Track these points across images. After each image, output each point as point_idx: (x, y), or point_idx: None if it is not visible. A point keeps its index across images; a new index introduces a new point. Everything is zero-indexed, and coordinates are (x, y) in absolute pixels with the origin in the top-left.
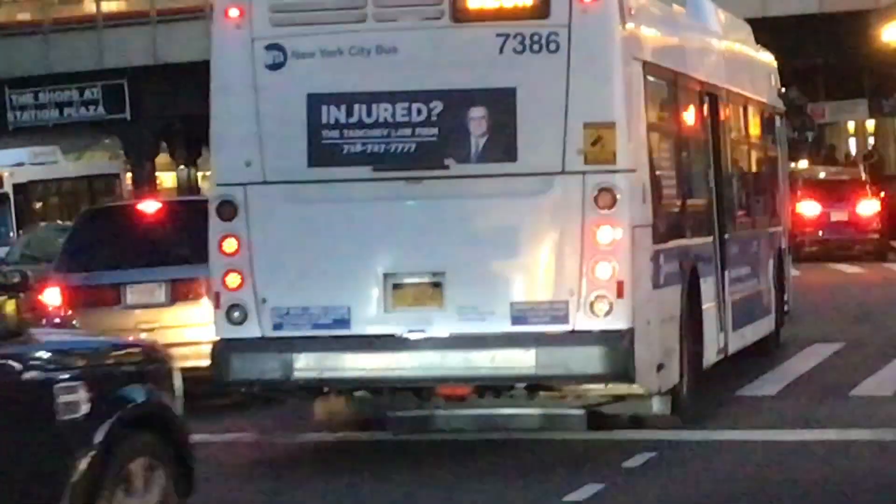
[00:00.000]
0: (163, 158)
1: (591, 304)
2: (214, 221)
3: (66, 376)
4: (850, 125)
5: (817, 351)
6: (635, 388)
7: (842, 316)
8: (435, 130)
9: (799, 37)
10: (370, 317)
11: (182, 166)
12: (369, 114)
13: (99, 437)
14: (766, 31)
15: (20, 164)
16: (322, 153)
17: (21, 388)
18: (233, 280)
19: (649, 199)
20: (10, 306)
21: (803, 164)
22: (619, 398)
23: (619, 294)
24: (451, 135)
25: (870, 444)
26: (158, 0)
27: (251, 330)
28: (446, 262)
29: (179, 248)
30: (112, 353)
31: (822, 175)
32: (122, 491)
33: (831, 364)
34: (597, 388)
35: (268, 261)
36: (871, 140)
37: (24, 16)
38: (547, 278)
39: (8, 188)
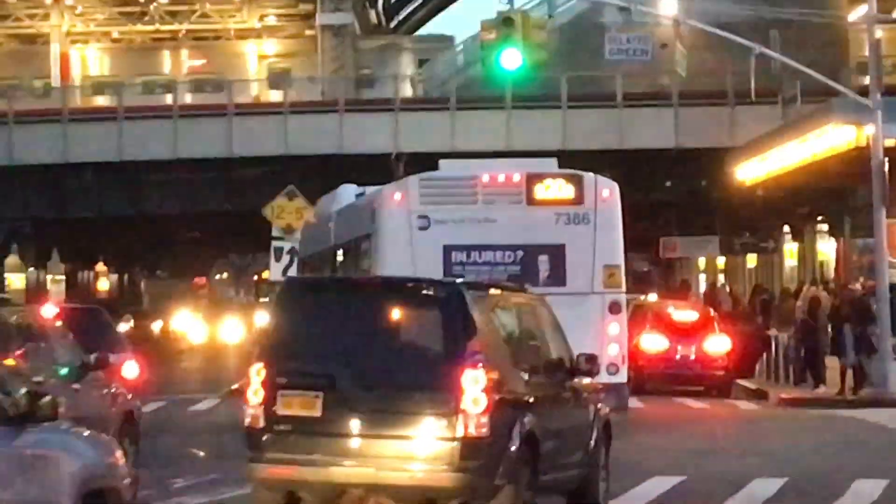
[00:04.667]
0: (12, 260)
1: (608, 368)
2: None
3: (587, 395)
4: (701, 261)
5: (658, 484)
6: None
7: (684, 450)
8: (518, 268)
9: (655, 170)
10: None
11: (31, 268)
12: (480, 257)
13: (598, 427)
14: (623, 163)
15: None
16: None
17: (582, 400)
18: None
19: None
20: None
21: (652, 297)
22: None
23: (623, 362)
24: (528, 270)
25: None
26: (15, 100)
27: None
28: None
29: None
30: (593, 385)
31: (670, 309)
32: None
33: (671, 498)
34: None
35: None
36: (721, 277)
37: None
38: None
39: None
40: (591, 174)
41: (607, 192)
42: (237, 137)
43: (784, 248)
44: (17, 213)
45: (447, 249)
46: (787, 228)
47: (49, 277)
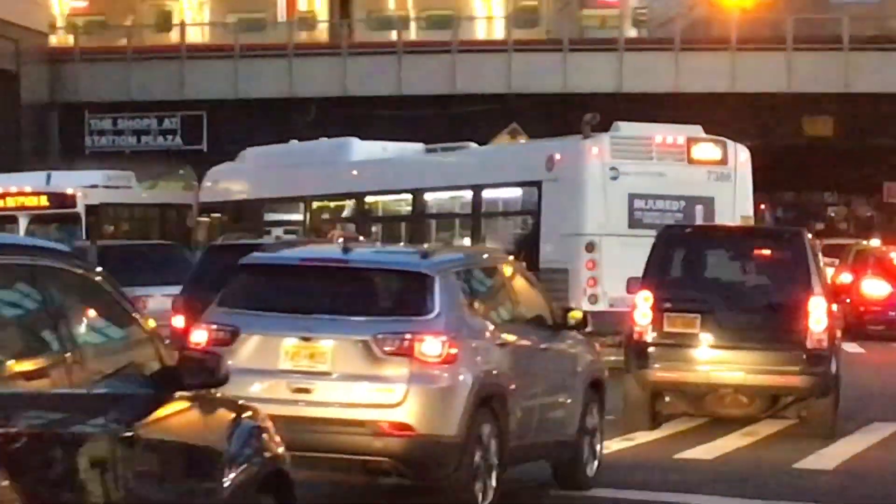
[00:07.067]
0: None
1: None
2: (583, 251)
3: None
4: None
5: (877, 429)
6: None
7: None
8: (681, 215)
9: (881, 115)
10: None
11: None
12: (655, 203)
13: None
14: (846, 106)
15: (94, 187)
16: (634, 221)
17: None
18: (591, 283)
19: None
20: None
21: (875, 242)
22: None
23: None
24: (687, 217)
25: None
26: (242, 35)
27: (600, 307)
28: None
29: None
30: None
31: (893, 254)
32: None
33: (891, 444)
34: None
35: (608, 272)
36: None
37: (108, 42)
38: None
39: (80, 209)
40: (730, 141)
41: (744, 155)
42: (460, 74)
43: None
44: (242, 147)
45: (631, 197)
46: None
47: None
